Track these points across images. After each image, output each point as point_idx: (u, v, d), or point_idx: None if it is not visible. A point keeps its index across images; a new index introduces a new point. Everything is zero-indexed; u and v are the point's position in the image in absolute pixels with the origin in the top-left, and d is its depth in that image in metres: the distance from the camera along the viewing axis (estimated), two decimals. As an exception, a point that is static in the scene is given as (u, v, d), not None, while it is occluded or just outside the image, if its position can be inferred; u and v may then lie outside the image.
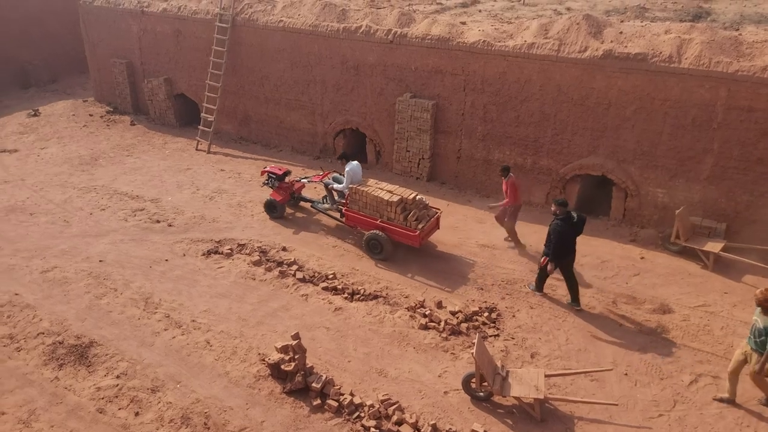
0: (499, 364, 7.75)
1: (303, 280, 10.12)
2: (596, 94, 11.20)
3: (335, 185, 11.71)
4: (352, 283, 10.00)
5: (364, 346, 8.59)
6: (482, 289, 9.89)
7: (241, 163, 15.06)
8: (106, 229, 11.91)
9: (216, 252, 11.04)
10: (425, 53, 12.67)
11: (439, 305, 9.35)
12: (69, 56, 22.07)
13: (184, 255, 10.99)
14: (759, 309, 6.93)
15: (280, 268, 10.42)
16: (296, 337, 7.83)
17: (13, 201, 13.03)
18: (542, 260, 9.36)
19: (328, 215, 12.01)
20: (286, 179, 12.41)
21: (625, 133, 11.21)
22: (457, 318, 9.04)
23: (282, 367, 7.76)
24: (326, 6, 14.32)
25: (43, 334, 8.82)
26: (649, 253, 10.90)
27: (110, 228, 11.94)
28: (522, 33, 12.03)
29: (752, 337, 7.01)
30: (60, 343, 8.60)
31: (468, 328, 8.85)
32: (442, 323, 8.88)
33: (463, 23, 12.92)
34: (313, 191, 13.30)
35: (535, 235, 11.33)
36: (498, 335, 8.79)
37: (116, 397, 7.66)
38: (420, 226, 10.39)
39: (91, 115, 18.46)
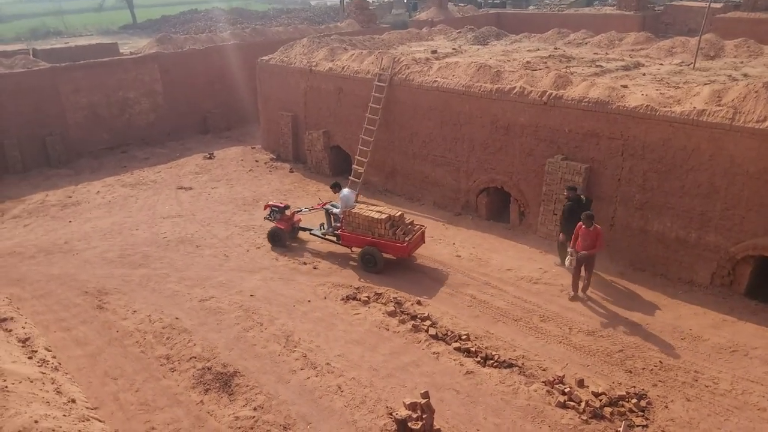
0: (647, 459, 6.94)
1: (435, 337, 9.98)
2: (778, 168, 10.03)
3: (333, 210, 13.11)
4: (486, 347, 9.66)
5: (495, 416, 8.17)
6: (631, 372, 9.02)
7: (385, 214, 15.48)
8: (259, 266, 12.78)
9: (354, 298, 11.32)
10: (581, 116, 12.30)
11: (581, 384, 8.66)
12: (243, 107, 24.58)
13: (325, 298, 11.40)
14: None
15: (413, 322, 10.39)
16: (426, 395, 7.66)
17: (183, 233, 14.53)
18: (560, 236, 11.76)
19: (326, 239, 13.34)
20: (287, 212, 13.76)
21: (813, 213, 9.85)
22: (601, 401, 8.29)
23: (409, 424, 7.58)
24: (481, 68, 14.57)
25: (195, 358, 9.53)
26: (842, 354, 9.28)
27: (262, 266, 12.80)
28: (691, 99, 11.24)
29: None
30: (208, 369, 9.23)
31: (612, 414, 8.07)
32: (583, 404, 8.19)
33: (625, 86, 12.39)
34: (309, 221, 14.33)
35: (695, 317, 10.25)
36: (647, 426, 7.91)
37: (251, 429, 7.99)
38: (407, 239, 11.96)
39: (256, 161, 20.25)
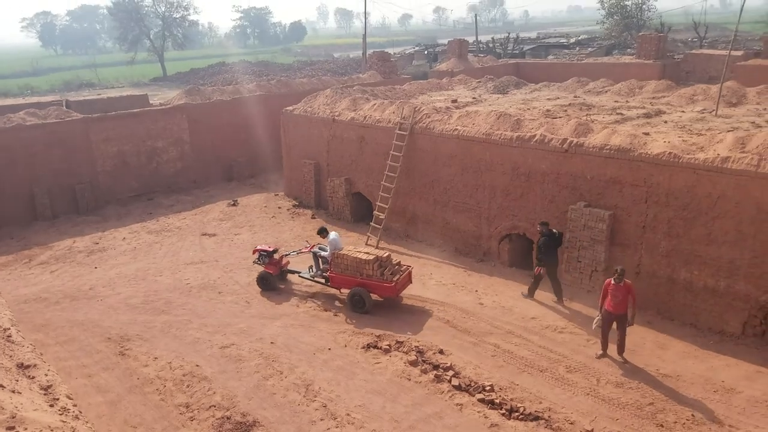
0: None
1: (458, 387, 9.77)
2: (808, 215, 9.83)
3: (322, 253, 13.45)
4: (511, 399, 9.40)
5: (521, 472, 7.87)
6: (662, 425, 8.68)
7: (405, 260, 15.33)
8: (280, 312, 12.76)
9: (375, 346, 11.17)
10: (602, 163, 12.29)
11: (610, 438, 8.35)
12: (267, 156, 24.99)
13: (346, 346, 11.28)
14: None
15: (435, 372, 10.20)
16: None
17: (206, 279, 14.63)
18: (536, 270, 12.53)
19: (314, 281, 13.64)
20: (275, 255, 13.99)
21: None
22: (632, 456, 7.97)
23: (432, 479, 7.37)
24: (501, 116, 14.73)
25: (215, 407, 9.43)
26: None
27: (283, 312, 12.77)
28: (715, 146, 11.18)
29: None
30: (228, 418, 9.11)
31: (644, 471, 7.73)
32: (613, 459, 7.88)
33: (647, 134, 12.40)
34: (297, 264, 14.70)
35: (727, 369, 9.85)
36: (682, 485, 7.54)
37: (269, 481, 7.79)
38: (395, 279, 12.25)
39: (279, 208, 20.50)
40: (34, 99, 29.94)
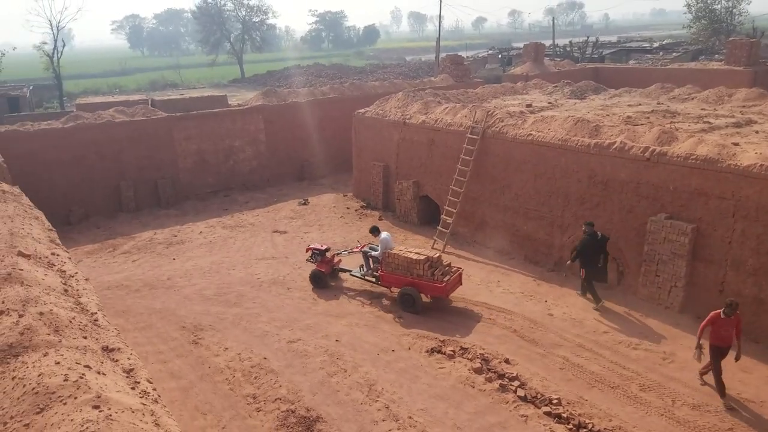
0: None
1: (524, 399, 9.54)
2: None
3: (372, 252, 13.65)
4: (579, 414, 9.08)
5: (589, 491, 7.58)
6: (745, 455, 8.14)
7: (471, 266, 15.21)
8: (345, 311, 12.91)
9: (439, 351, 11.10)
10: (687, 173, 11.67)
11: (686, 463, 7.91)
12: (338, 157, 25.39)
13: (409, 348, 11.27)
14: None
15: (500, 381, 10.00)
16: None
17: (276, 275, 15.01)
18: (581, 273, 12.57)
19: (365, 280, 13.83)
20: (327, 254, 14.29)
21: None
22: (710, 484, 7.51)
23: (494, 490, 7.23)
24: (578, 122, 14.30)
25: (280, 400, 9.66)
26: None
27: (348, 311, 12.92)
28: (813, 158, 10.39)
29: None
30: (292, 411, 9.30)
31: (723, 501, 7.27)
32: (689, 486, 7.45)
33: (736, 144, 11.69)
34: (349, 263, 14.83)
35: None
36: None
37: (331, 478, 7.89)
38: (445, 279, 12.34)
39: (348, 208, 20.76)
40: (122, 97, 31.75)
